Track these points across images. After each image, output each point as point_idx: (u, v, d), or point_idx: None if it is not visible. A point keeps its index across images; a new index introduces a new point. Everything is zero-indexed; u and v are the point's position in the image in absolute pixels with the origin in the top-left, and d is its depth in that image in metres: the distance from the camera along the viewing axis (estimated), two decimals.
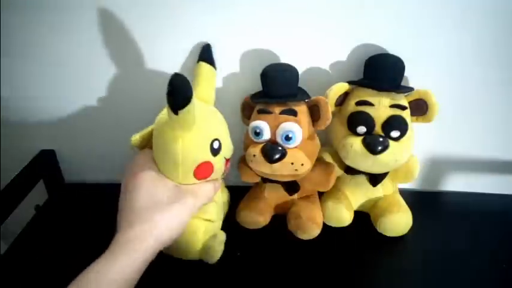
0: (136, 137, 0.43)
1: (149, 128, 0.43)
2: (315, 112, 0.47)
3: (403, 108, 0.48)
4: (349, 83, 0.50)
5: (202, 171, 0.40)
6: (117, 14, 0.50)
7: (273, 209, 0.54)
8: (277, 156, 0.44)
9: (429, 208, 0.59)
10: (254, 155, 0.45)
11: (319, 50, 0.52)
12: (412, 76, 0.52)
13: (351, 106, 0.49)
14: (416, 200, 0.56)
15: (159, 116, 0.42)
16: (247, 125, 0.49)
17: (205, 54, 0.48)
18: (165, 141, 0.39)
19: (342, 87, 0.49)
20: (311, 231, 0.50)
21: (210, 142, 0.40)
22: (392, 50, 0.51)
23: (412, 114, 0.50)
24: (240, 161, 0.52)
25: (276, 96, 0.46)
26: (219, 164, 0.42)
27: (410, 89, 0.49)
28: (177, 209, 0.37)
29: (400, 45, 0.50)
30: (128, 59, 0.53)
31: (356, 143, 0.47)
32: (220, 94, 0.51)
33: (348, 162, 0.50)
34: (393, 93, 0.48)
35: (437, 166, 0.62)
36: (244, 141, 0.50)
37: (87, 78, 0.55)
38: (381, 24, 0.50)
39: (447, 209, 0.61)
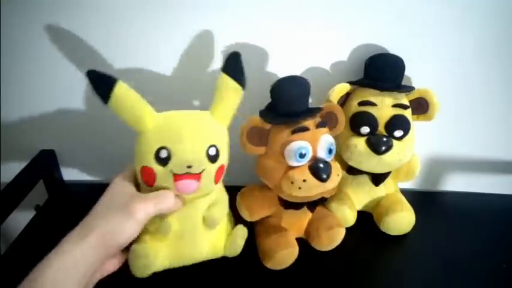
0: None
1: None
2: (331, 119, 0.46)
3: (405, 107, 0.48)
4: (350, 83, 0.50)
5: (144, 175, 0.39)
6: (117, 14, 0.50)
7: (293, 236, 0.49)
8: (328, 172, 0.41)
9: (429, 208, 0.59)
10: (304, 180, 0.41)
11: (319, 50, 0.52)
12: (413, 76, 0.53)
13: (353, 107, 0.49)
14: (416, 200, 0.56)
15: None
16: (252, 152, 0.44)
17: (233, 66, 0.40)
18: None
19: (343, 87, 0.49)
20: (342, 234, 0.49)
21: (155, 149, 0.38)
22: (393, 50, 0.51)
23: (413, 113, 0.50)
24: (244, 197, 0.48)
25: (300, 112, 0.42)
26: (162, 175, 0.38)
27: (411, 88, 0.49)
28: (123, 215, 0.36)
29: (400, 45, 0.50)
30: (128, 59, 0.53)
31: (360, 143, 0.47)
32: None
33: (352, 163, 0.50)
34: (395, 92, 0.48)
35: (437, 166, 0.62)
36: (268, 172, 0.44)
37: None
38: (382, 24, 0.50)
39: (447, 209, 0.61)
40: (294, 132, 0.42)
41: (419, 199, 0.59)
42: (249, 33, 0.51)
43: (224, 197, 0.46)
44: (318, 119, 0.44)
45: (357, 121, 0.48)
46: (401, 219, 0.51)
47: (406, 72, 0.49)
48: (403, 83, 0.50)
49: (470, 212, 0.59)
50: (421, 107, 0.49)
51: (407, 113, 0.48)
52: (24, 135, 0.61)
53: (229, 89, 0.40)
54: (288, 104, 0.42)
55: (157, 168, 0.38)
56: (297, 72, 0.54)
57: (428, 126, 0.51)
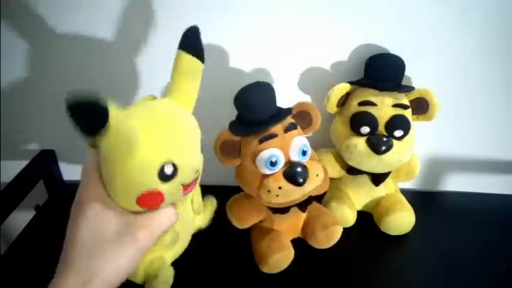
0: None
1: None
2: (304, 118, 0.45)
3: (405, 107, 0.48)
4: (351, 83, 0.50)
5: (147, 201, 0.32)
6: (117, 15, 0.50)
7: (288, 238, 0.49)
8: (304, 175, 0.40)
9: (429, 208, 0.59)
10: (280, 187, 0.40)
11: (319, 50, 0.52)
12: (413, 76, 0.53)
13: (353, 107, 0.49)
14: (416, 200, 0.56)
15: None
16: (229, 165, 0.43)
17: (189, 41, 0.35)
18: (104, 158, 0.31)
19: (343, 88, 0.49)
20: (339, 232, 0.49)
21: (158, 166, 0.31)
22: (393, 50, 0.51)
23: (413, 113, 0.50)
24: (231, 208, 0.48)
25: (266, 119, 0.41)
26: (172, 192, 0.32)
27: (411, 88, 0.49)
28: (126, 247, 0.30)
29: (400, 45, 0.50)
30: (128, 59, 0.53)
31: (360, 143, 0.47)
32: (217, 94, 0.51)
33: (352, 163, 0.50)
34: (395, 92, 0.48)
35: (437, 166, 0.62)
36: (245, 182, 0.44)
37: (87, 78, 0.55)
38: (382, 23, 0.50)
39: (447, 209, 0.61)
40: (261, 141, 0.41)
41: (419, 199, 0.59)
42: (248, 33, 0.51)
43: None
44: (287, 122, 0.42)
45: (357, 121, 0.48)
46: (402, 219, 0.51)
47: (406, 72, 0.49)
48: (403, 83, 0.50)
49: (470, 212, 0.59)
50: (421, 107, 0.49)
51: (408, 113, 0.48)
52: (24, 135, 0.61)
53: (193, 70, 0.35)
54: (252, 113, 0.41)
55: (164, 187, 0.32)
56: (297, 71, 0.54)
57: (428, 126, 0.51)
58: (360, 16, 0.49)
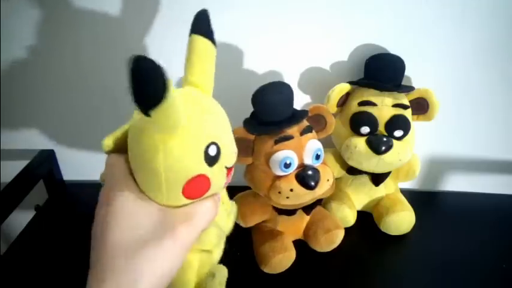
0: (108, 141, 0.31)
1: (124, 127, 0.31)
2: (319, 121, 0.45)
3: (405, 107, 0.48)
4: (350, 83, 0.50)
5: (195, 188, 0.29)
6: (118, 15, 0.50)
7: (290, 240, 0.49)
8: (316, 179, 0.40)
9: (429, 208, 0.59)
10: (292, 190, 0.40)
11: (319, 50, 0.52)
12: (413, 75, 0.53)
13: (353, 107, 0.49)
14: (416, 199, 0.56)
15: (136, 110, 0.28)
16: (239, 163, 0.41)
17: (201, 24, 0.33)
18: (140, 148, 0.28)
19: (343, 88, 0.49)
20: (340, 236, 0.49)
21: (204, 148, 0.29)
22: (393, 50, 0.51)
23: (413, 113, 0.50)
24: (238, 208, 0.45)
25: (283, 120, 0.41)
26: (217, 176, 0.30)
27: (411, 88, 0.49)
28: (167, 246, 0.26)
29: (401, 45, 0.50)
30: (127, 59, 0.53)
31: (360, 143, 0.47)
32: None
33: (352, 163, 0.50)
34: (395, 92, 0.48)
35: (437, 166, 0.62)
36: (256, 181, 0.43)
37: (86, 78, 0.55)
38: (382, 23, 0.50)
39: (447, 209, 0.61)
40: (277, 142, 0.40)
41: (419, 199, 0.59)
42: (248, 33, 0.51)
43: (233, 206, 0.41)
44: (303, 125, 0.42)
45: (357, 121, 0.48)
46: (402, 219, 0.51)
47: (407, 72, 0.49)
48: (403, 83, 0.50)
49: (470, 212, 0.59)
50: (421, 107, 0.49)
51: (407, 113, 0.48)
52: (24, 135, 0.61)
53: (210, 53, 0.33)
54: (270, 112, 0.40)
55: (210, 171, 0.29)
56: (297, 71, 0.54)
57: (428, 126, 0.51)
58: (360, 16, 0.49)
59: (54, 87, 0.56)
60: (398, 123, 0.47)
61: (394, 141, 0.46)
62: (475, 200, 0.62)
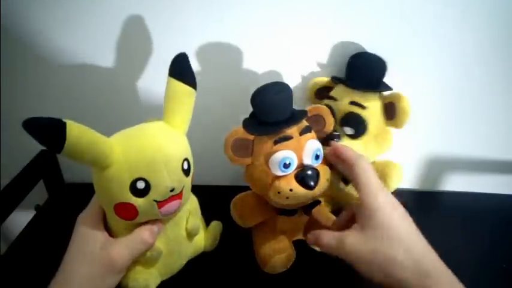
0: None
1: None
2: (319, 122, 0.45)
3: (362, 107, 0.47)
4: (333, 78, 0.50)
5: (122, 212, 0.35)
6: (118, 15, 0.50)
7: (290, 240, 0.49)
8: (315, 179, 0.40)
9: (429, 208, 0.59)
10: (291, 190, 0.40)
11: (318, 51, 0.52)
12: (413, 75, 0.52)
13: (323, 101, 0.50)
14: (416, 199, 0.56)
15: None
16: (238, 164, 0.42)
17: (178, 67, 0.38)
18: (93, 178, 0.36)
19: (319, 80, 0.51)
20: None
21: (130, 182, 0.34)
22: (393, 49, 0.51)
23: (385, 117, 0.48)
24: (236, 205, 0.47)
25: (283, 120, 0.41)
26: (145, 206, 0.35)
27: (382, 89, 0.47)
28: (103, 265, 0.35)
29: (401, 44, 0.50)
30: (129, 59, 0.53)
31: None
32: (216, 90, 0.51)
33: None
34: (362, 91, 0.47)
35: (437, 166, 0.62)
36: (255, 182, 0.43)
37: (87, 78, 0.55)
38: (381, 23, 0.50)
39: (447, 209, 0.61)
40: (276, 142, 0.40)
41: (419, 199, 0.59)
42: (250, 34, 0.51)
43: (195, 201, 0.45)
44: (302, 125, 0.42)
45: None
46: None
47: (406, 71, 0.49)
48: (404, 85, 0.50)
49: (470, 212, 0.59)
50: (390, 111, 0.47)
51: (367, 113, 0.47)
52: (24, 135, 0.61)
53: (182, 94, 0.38)
54: (269, 113, 0.40)
55: (137, 201, 0.35)
56: (298, 72, 0.54)
57: (428, 126, 0.51)
58: (359, 15, 0.49)
59: (54, 87, 0.56)
60: (348, 120, 0.47)
61: (346, 139, 0.48)
62: (475, 200, 0.61)
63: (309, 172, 0.40)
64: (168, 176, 0.35)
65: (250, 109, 0.42)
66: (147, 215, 0.36)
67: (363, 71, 0.48)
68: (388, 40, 0.51)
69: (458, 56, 0.52)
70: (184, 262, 0.45)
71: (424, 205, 0.59)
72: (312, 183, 0.39)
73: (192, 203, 0.44)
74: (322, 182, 0.41)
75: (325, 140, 0.45)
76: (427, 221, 0.55)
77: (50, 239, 0.53)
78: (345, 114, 0.47)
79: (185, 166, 0.37)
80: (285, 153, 0.40)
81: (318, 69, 0.54)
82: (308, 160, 0.41)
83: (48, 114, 0.51)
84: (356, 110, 0.47)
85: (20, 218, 0.55)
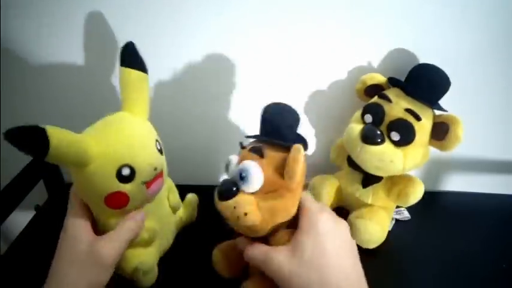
0: None
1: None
2: (441, 130, 0.44)
3: (417, 118, 0.45)
4: (390, 80, 0.49)
5: (114, 202, 0.37)
6: (117, 15, 0.50)
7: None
8: (226, 194, 0.35)
9: (429, 208, 0.59)
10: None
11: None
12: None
13: (375, 98, 0.49)
14: None
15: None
16: None
17: (129, 56, 0.40)
18: (72, 176, 0.37)
19: (374, 76, 0.50)
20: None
21: (115, 170, 0.35)
22: (394, 47, 0.51)
23: (432, 136, 0.47)
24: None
25: (270, 133, 0.37)
26: (135, 191, 0.37)
27: (435, 107, 0.47)
28: (94, 265, 0.36)
29: (402, 43, 0.51)
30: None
31: (355, 128, 0.47)
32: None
33: (345, 146, 0.50)
34: (417, 101, 0.46)
35: (437, 166, 0.62)
36: None
37: (87, 78, 0.55)
38: (384, 24, 0.50)
39: (447, 209, 0.61)
40: (242, 147, 0.38)
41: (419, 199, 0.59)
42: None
43: (169, 179, 0.48)
44: (265, 145, 0.37)
45: (366, 108, 0.48)
46: (368, 230, 0.49)
47: (403, 72, 0.49)
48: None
49: (470, 212, 0.59)
50: (439, 132, 0.46)
51: (419, 125, 0.45)
52: None
53: (136, 81, 0.39)
54: (266, 128, 0.37)
55: (125, 187, 0.36)
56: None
57: None
58: (359, 16, 0.49)
59: (54, 87, 0.56)
60: (399, 126, 0.45)
61: (388, 143, 0.46)
62: (475, 200, 0.61)
63: (227, 182, 0.36)
64: (149, 157, 0.38)
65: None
66: (137, 198, 0.38)
67: (428, 82, 0.46)
68: (389, 40, 0.51)
69: (458, 55, 0.52)
70: (173, 237, 0.48)
71: (423, 205, 0.59)
72: (222, 194, 0.35)
73: (167, 182, 0.46)
74: (228, 205, 0.35)
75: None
76: (427, 221, 0.55)
77: (50, 239, 0.53)
78: (396, 118, 0.45)
79: (158, 146, 0.40)
80: (231, 156, 0.38)
81: (364, 64, 0.53)
82: (236, 175, 0.36)
83: (48, 113, 0.51)
84: (410, 118, 0.45)
85: (20, 218, 0.55)
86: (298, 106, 0.56)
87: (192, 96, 0.56)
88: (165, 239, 0.47)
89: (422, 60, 0.52)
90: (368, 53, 0.52)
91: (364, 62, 0.52)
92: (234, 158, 0.38)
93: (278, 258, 0.33)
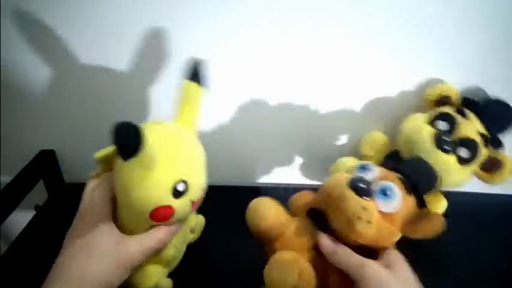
0: (101, 154, 0.37)
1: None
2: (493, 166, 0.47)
3: (485, 144, 0.47)
4: (465, 100, 0.50)
5: (160, 215, 0.35)
6: (117, 15, 0.50)
7: None
8: (364, 193, 0.35)
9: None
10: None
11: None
12: (413, 75, 0.52)
13: (449, 108, 0.49)
14: None
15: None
16: None
17: (194, 71, 0.40)
18: (118, 175, 0.34)
19: (451, 91, 0.50)
20: None
21: (172, 184, 0.34)
22: (394, 47, 0.51)
23: (480, 166, 0.48)
24: None
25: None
26: (182, 207, 0.36)
27: (498, 144, 0.48)
28: (116, 264, 0.34)
29: (402, 43, 0.50)
30: (128, 60, 0.53)
31: (427, 129, 0.46)
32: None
33: (404, 144, 0.48)
34: (485, 129, 0.47)
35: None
36: None
37: (87, 78, 0.55)
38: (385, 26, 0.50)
39: (447, 208, 0.61)
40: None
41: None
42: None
43: None
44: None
45: (442, 116, 0.48)
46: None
47: (406, 70, 0.49)
48: None
49: (470, 212, 0.59)
50: (490, 165, 0.48)
51: (483, 151, 0.47)
52: (24, 135, 0.61)
53: (194, 93, 0.40)
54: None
55: (175, 202, 0.35)
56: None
57: None
58: (358, 16, 0.49)
59: (54, 87, 0.56)
60: (471, 145, 0.45)
61: (453, 156, 0.45)
62: (475, 200, 0.61)
63: (365, 185, 0.35)
64: (202, 177, 0.38)
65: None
66: (180, 216, 0.37)
67: (504, 122, 0.48)
68: (390, 40, 0.51)
69: (458, 56, 0.52)
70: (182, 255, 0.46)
71: None
72: (363, 193, 0.35)
73: None
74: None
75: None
76: None
77: (50, 239, 0.53)
78: (469, 137, 0.46)
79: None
80: (367, 163, 0.38)
81: (364, 64, 0.53)
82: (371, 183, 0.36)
83: (48, 114, 0.50)
84: (480, 141, 0.46)
85: (20, 218, 0.55)
86: (298, 106, 0.56)
87: None
88: (178, 258, 0.45)
89: (427, 60, 0.52)
90: (368, 53, 0.52)
91: (365, 63, 0.52)
92: (373, 167, 0.37)
93: (374, 266, 0.34)
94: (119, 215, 0.37)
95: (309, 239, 0.37)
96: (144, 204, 0.34)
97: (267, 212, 0.38)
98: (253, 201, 0.40)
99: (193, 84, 0.39)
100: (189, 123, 0.39)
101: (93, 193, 0.37)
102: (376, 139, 0.55)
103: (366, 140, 0.56)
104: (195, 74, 0.40)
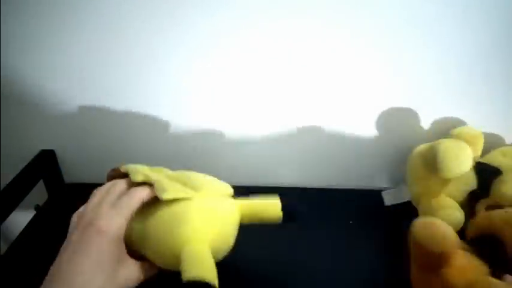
0: (138, 176, 0.37)
1: (155, 176, 0.37)
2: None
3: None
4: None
5: None
6: (117, 15, 0.50)
7: None
8: None
9: None
10: None
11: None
12: (413, 75, 0.52)
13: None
14: None
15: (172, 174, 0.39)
16: None
17: (290, 206, 0.41)
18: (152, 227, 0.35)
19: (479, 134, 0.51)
20: None
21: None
22: (394, 47, 0.51)
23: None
24: None
25: None
26: None
27: None
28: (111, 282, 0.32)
29: (402, 43, 0.50)
30: (129, 59, 0.53)
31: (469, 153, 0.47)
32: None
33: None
34: None
35: None
36: None
37: (87, 78, 0.55)
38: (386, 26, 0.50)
39: None
40: None
41: None
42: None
43: None
44: None
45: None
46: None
47: (406, 70, 0.49)
48: None
49: None
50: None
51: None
52: (24, 135, 0.61)
53: (271, 216, 0.40)
54: None
55: None
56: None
57: (428, 125, 0.51)
58: (358, 16, 0.49)
59: (54, 87, 0.56)
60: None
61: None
62: None
63: None
64: (224, 254, 0.40)
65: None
66: None
67: None
68: (390, 40, 0.51)
69: (459, 56, 0.52)
70: None
71: None
72: None
73: None
74: None
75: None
76: None
77: (50, 239, 0.53)
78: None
79: None
80: None
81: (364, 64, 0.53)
82: None
83: (48, 114, 0.50)
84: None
85: (20, 218, 0.55)
86: (298, 106, 0.56)
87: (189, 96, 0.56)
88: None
89: (427, 60, 0.52)
90: (368, 53, 0.52)
91: (365, 62, 0.52)
92: None
93: None
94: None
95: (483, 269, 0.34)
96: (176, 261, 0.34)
97: (449, 232, 0.34)
98: (424, 219, 0.36)
99: (278, 210, 0.40)
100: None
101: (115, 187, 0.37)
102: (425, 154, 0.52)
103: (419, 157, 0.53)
104: (290, 212, 0.40)
